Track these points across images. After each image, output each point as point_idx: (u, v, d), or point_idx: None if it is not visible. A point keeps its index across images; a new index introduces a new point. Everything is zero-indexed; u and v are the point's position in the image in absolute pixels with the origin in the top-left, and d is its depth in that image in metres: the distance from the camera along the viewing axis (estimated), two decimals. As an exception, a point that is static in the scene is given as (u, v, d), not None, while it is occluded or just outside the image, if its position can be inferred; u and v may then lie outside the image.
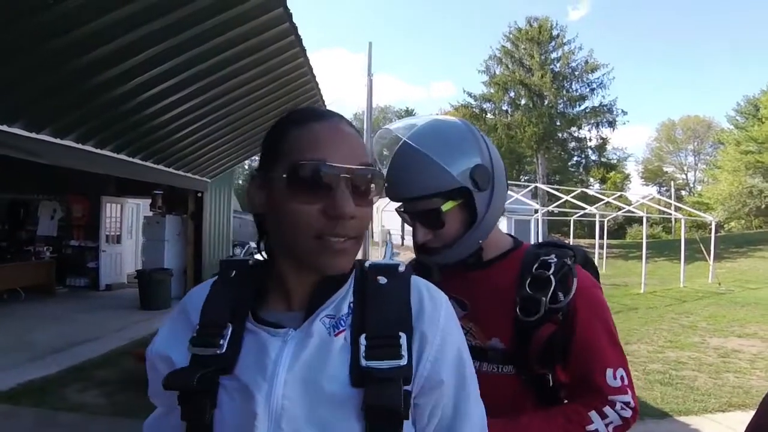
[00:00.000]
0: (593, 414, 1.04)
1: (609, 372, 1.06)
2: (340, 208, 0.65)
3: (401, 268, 0.76)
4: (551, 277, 1.06)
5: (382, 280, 0.73)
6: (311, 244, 0.67)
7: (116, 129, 5.73)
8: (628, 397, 1.06)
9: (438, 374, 0.69)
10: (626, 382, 1.07)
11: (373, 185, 0.71)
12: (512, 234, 1.31)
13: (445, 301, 0.75)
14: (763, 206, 30.29)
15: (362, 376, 0.65)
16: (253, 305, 0.74)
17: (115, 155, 6.22)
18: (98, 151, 5.87)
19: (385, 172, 1.10)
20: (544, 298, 1.05)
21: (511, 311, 1.08)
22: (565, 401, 1.13)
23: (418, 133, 1.12)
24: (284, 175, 0.66)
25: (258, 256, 0.82)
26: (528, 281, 1.08)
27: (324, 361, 0.67)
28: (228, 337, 0.70)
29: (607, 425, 1.04)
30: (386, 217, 15.96)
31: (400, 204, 1.16)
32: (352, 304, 0.72)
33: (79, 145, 5.49)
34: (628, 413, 1.05)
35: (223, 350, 0.69)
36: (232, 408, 0.68)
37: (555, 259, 1.09)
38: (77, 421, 3.94)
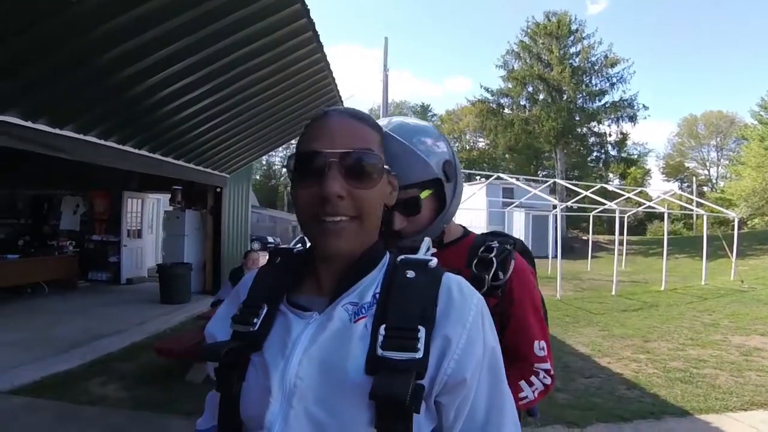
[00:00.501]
0: (523, 383, 1.25)
1: (536, 343, 1.27)
2: (325, 187, 0.72)
3: (432, 264, 0.77)
4: (493, 258, 1.23)
5: (411, 274, 0.75)
6: (312, 226, 0.75)
7: (137, 125, 5.83)
8: (548, 365, 1.27)
9: (461, 373, 0.70)
10: (546, 352, 1.28)
11: (368, 167, 0.76)
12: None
13: (477, 299, 0.76)
14: (788, 203, 29.50)
15: (376, 365, 0.67)
16: (289, 289, 0.80)
17: (137, 151, 6.33)
18: (120, 147, 5.98)
19: None
20: (487, 276, 1.21)
21: None
22: None
23: (398, 128, 1.21)
24: (292, 169, 0.77)
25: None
26: (474, 262, 1.24)
27: (341, 346, 0.70)
28: (262, 316, 0.77)
29: (534, 391, 1.25)
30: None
31: None
32: (377, 295, 0.74)
33: (102, 141, 5.60)
34: (548, 380, 1.27)
35: (256, 328, 0.76)
36: (256, 382, 0.73)
37: (497, 245, 1.26)
38: (98, 414, 3.99)
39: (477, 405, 0.73)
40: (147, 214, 11.83)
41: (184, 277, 8.79)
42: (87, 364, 5.17)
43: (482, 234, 1.36)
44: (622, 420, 4.01)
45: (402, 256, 0.79)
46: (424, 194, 1.20)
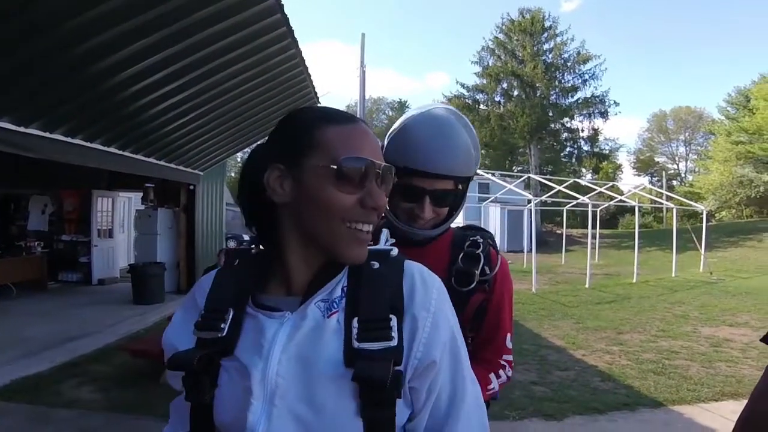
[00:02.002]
0: (492, 376, 1.28)
1: (508, 336, 1.31)
2: (379, 200, 0.75)
3: (394, 253, 0.80)
4: (480, 254, 1.24)
5: (375, 264, 0.77)
6: (342, 231, 0.73)
7: (106, 122, 5.67)
8: (511, 357, 1.33)
9: (430, 356, 0.72)
10: (511, 344, 1.33)
11: (390, 180, 0.79)
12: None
13: (437, 284, 0.79)
14: (754, 196, 30.50)
15: (354, 357, 0.69)
16: (254, 291, 0.78)
17: (105, 148, 6.15)
18: (88, 144, 5.80)
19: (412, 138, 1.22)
20: (476, 271, 1.22)
21: (445, 282, 1.19)
22: None
23: (464, 120, 1.25)
24: (333, 167, 0.72)
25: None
26: (461, 256, 1.25)
27: (318, 342, 0.71)
28: (229, 321, 0.75)
29: (499, 383, 1.29)
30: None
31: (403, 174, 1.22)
32: (345, 288, 0.76)
33: (69, 139, 5.42)
34: (510, 372, 1.32)
35: (224, 333, 0.74)
36: (231, 387, 0.73)
37: (481, 240, 1.28)
38: (72, 417, 3.90)
39: (440, 389, 0.75)
40: (118, 213, 11.55)
41: (158, 276, 8.60)
42: (58, 367, 5.03)
43: (459, 228, 1.37)
44: (597, 412, 4.09)
45: None
46: (462, 190, 1.25)
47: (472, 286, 1.22)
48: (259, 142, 0.83)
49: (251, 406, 0.69)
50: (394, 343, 0.70)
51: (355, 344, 0.69)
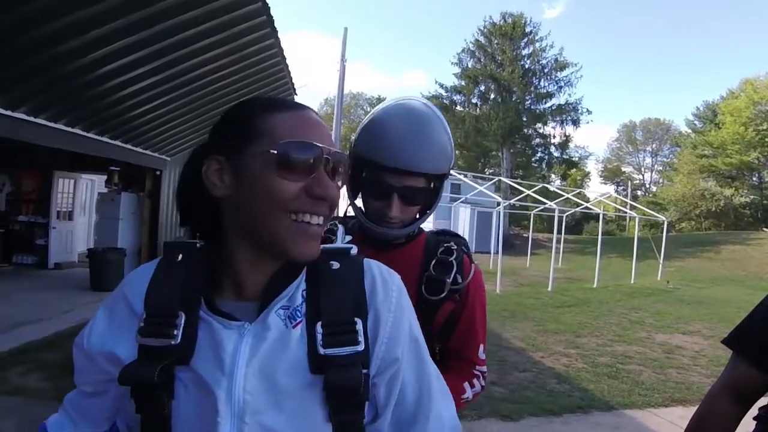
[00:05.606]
0: (466, 385, 1.23)
1: (480, 347, 1.26)
2: (326, 188, 0.68)
3: (353, 252, 0.76)
4: (453, 261, 1.19)
5: (335, 264, 0.73)
6: (286, 224, 0.66)
7: (72, 102, 5.50)
8: (485, 368, 1.28)
9: (393, 352, 0.71)
10: (484, 356, 1.28)
11: (346, 170, 0.73)
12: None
13: (397, 280, 0.77)
14: (714, 209, 31.69)
15: (322, 364, 0.66)
16: (205, 292, 0.71)
17: (69, 129, 5.95)
18: (51, 124, 5.60)
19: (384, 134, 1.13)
20: (447, 280, 1.16)
21: (415, 290, 1.16)
22: None
23: (440, 115, 1.18)
24: (273, 152, 0.66)
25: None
26: (433, 263, 1.19)
27: (283, 353, 0.67)
28: (182, 326, 0.68)
29: (474, 394, 1.25)
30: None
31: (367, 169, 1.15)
32: (305, 292, 0.72)
33: (31, 118, 5.23)
34: (484, 382, 1.28)
35: (178, 341, 0.67)
36: (189, 400, 0.67)
37: (455, 246, 1.22)
38: (17, 405, 3.75)
39: (406, 385, 0.74)
40: (80, 195, 11.16)
41: (117, 263, 8.35)
42: (5, 353, 4.82)
43: (433, 232, 1.31)
44: (552, 414, 4.18)
45: (322, 246, 0.74)
46: (433, 187, 1.19)
47: (443, 294, 1.16)
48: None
49: (219, 425, 0.64)
50: (361, 347, 0.68)
51: (321, 350, 0.66)
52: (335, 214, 0.74)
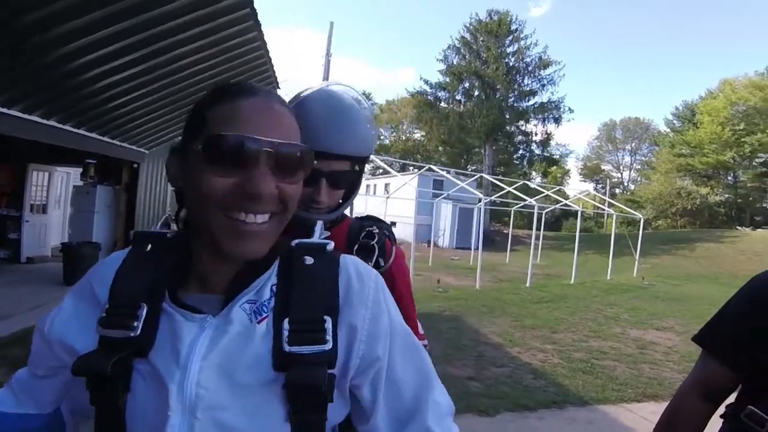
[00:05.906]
0: None
1: (418, 324, 1.29)
2: (256, 186, 0.63)
3: (330, 248, 0.73)
4: (375, 245, 1.22)
5: (309, 260, 0.71)
6: (221, 222, 0.64)
7: (47, 94, 5.38)
8: (426, 341, 1.27)
9: (373, 352, 0.69)
10: (423, 331, 1.31)
11: (301, 161, 0.68)
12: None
13: (374, 276, 0.74)
14: (689, 207, 32.39)
15: (285, 361, 0.64)
16: (171, 284, 0.69)
17: (44, 121, 5.81)
18: (26, 116, 5.46)
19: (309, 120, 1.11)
20: (369, 263, 1.16)
21: None
22: None
23: (349, 93, 1.20)
24: (200, 147, 0.63)
25: (174, 227, 0.79)
26: (356, 248, 1.22)
27: (245, 348, 0.65)
28: (143, 318, 0.66)
29: None
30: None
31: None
32: (275, 287, 0.70)
33: (5, 110, 5.10)
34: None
35: (138, 333, 0.65)
36: (147, 394, 0.65)
37: (377, 231, 1.25)
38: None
39: (403, 382, 0.73)
40: (54, 188, 10.86)
41: (92, 257, 8.15)
42: (-28, 350, 4.72)
43: (358, 218, 1.35)
44: (527, 409, 4.24)
45: (297, 241, 0.73)
46: (358, 170, 1.21)
47: None
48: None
49: (168, 419, 0.63)
50: (329, 347, 0.65)
51: (286, 348, 0.64)
52: (293, 212, 0.70)
